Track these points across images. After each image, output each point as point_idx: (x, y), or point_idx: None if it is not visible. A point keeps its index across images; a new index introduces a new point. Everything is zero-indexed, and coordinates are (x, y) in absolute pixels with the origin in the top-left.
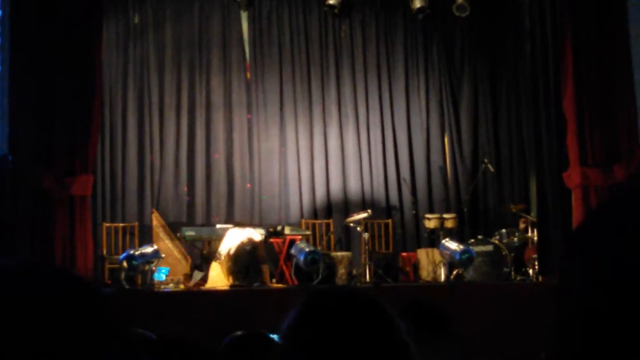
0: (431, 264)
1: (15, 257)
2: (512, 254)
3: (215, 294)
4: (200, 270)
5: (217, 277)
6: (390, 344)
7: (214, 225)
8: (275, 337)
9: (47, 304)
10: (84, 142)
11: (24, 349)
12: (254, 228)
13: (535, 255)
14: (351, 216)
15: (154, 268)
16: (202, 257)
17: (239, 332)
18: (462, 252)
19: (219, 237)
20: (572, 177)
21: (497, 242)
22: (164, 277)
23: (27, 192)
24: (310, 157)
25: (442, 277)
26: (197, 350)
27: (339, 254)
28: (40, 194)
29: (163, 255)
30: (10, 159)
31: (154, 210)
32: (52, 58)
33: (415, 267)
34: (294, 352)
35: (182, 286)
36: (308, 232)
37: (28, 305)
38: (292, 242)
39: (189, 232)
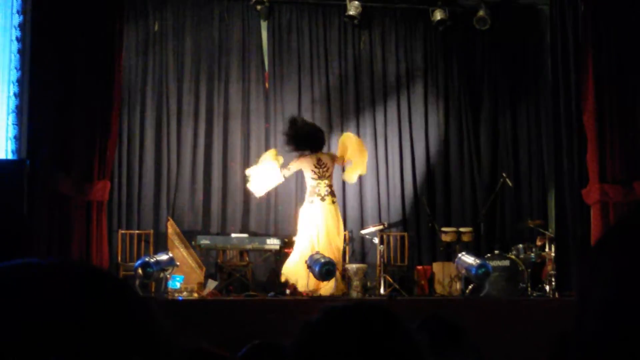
0: (447, 278)
1: (50, 258)
2: (529, 270)
3: (229, 303)
4: (215, 279)
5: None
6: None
7: (229, 235)
8: None
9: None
10: (102, 148)
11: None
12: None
13: (552, 272)
14: (367, 228)
15: (168, 276)
16: (216, 266)
17: (256, 342)
18: (479, 267)
19: (234, 246)
20: (591, 193)
21: (513, 257)
22: (178, 285)
23: (44, 196)
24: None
25: (458, 291)
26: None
27: (354, 265)
28: (57, 199)
29: (178, 263)
30: (27, 163)
31: (169, 217)
32: (72, 63)
33: (431, 280)
34: None
35: (195, 295)
36: None
37: (75, 305)
38: None
39: (204, 241)
